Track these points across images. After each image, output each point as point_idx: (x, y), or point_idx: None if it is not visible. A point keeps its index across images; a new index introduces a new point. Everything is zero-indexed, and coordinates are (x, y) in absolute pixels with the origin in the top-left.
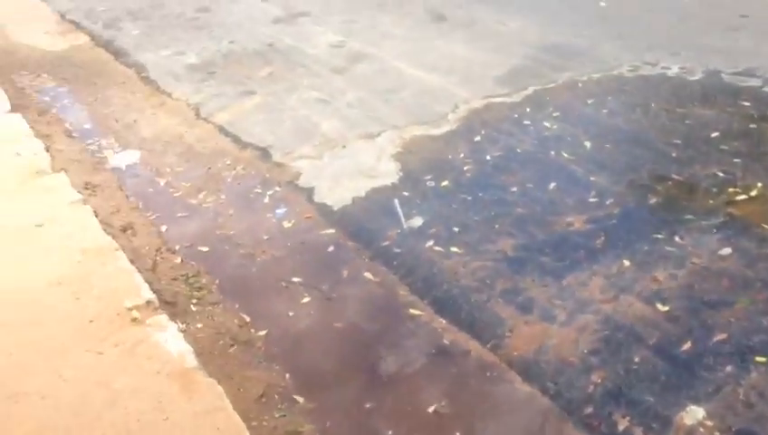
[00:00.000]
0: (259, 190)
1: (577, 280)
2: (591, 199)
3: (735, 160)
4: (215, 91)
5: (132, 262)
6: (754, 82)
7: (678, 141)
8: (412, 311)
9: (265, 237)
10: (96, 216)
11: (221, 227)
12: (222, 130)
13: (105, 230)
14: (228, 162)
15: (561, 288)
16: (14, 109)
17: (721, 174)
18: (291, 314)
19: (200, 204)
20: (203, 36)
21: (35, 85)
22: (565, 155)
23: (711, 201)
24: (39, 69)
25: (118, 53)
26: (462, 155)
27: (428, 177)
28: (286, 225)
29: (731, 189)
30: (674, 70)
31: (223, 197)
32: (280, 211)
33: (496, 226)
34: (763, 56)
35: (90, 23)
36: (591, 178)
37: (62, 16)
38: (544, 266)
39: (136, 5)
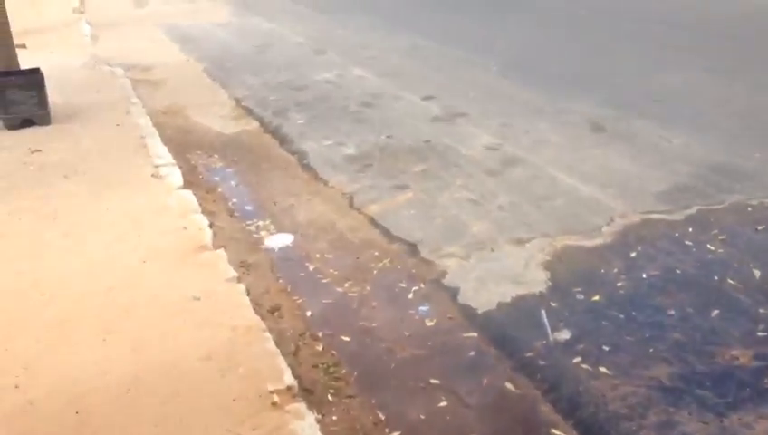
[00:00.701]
0: (404, 285)
1: (741, 421)
2: (760, 333)
3: None
4: (369, 183)
5: (277, 344)
6: None
7: None
8: (554, 431)
9: (407, 334)
10: (248, 294)
11: (364, 319)
12: (372, 221)
13: (255, 310)
14: (376, 254)
15: (722, 428)
16: (186, 185)
17: None
18: (425, 417)
19: (346, 293)
20: (363, 129)
21: (207, 164)
22: (731, 282)
23: None
24: (211, 149)
25: (283, 140)
26: (616, 270)
27: (578, 289)
28: (429, 323)
29: None
30: None
31: (368, 288)
32: (423, 308)
33: (651, 350)
34: None
35: (261, 110)
36: (761, 311)
37: (238, 103)
38: (704, 401)
39: (304, 97)
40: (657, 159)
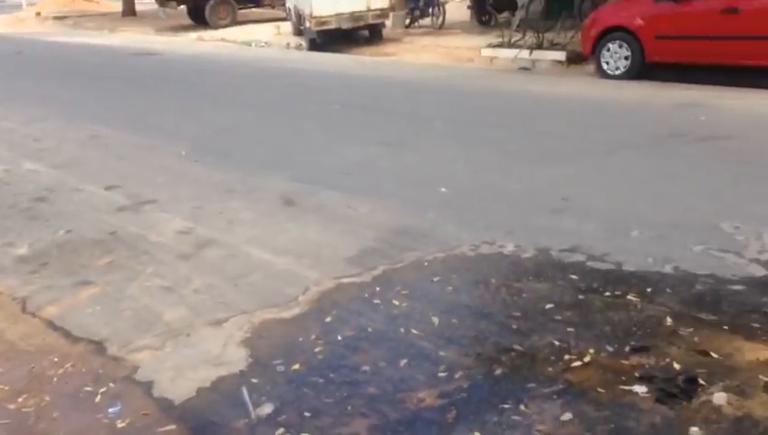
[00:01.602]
0: (90, 388)
1: None
2: (441, 374)
3: (569, 329)
4: (45, 284)
5: None
6: (579, 258)
7: (518, 314)
8: None
9: None
10: None
11: (42, 433)
12: (51, 324)
13: None
14: (56, 359)
15: None
16: None
17: (557, 343)
18: None
19: (19, 408)
20: (37, 226)
21: None
22: (414, 331)
23: (550, 369)
24: None
25: None
26: (313, 337)
27: (279, 361)
28: (120, 425)
29: (567, 357)
30: (509, 248)
31: (47, 398)
32: (113, 410)
33: (349, 407)
34: (583, 234)
35: None
36: (441, 353)
37: None
38: None
39: None
40: (345, 227)
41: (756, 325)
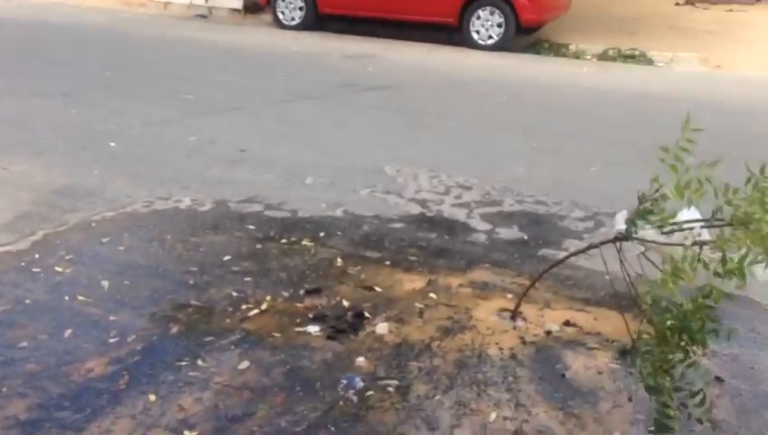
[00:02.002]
0: None
1: (100, 429)
2: (112, 340)
3: (247, 279)
4: None
5: None
6: (256, 208)
7: (195, 269)
8: None
9: None
10: None
11: None
12: None
13: None
14: None
15: None
16: None
17: (235, 293)
18: None
19: None
20: None
21: None
22: (81, 298)
23: (228, 320)
24: None
25: None
26: None
27: None
28: None
29: (244, 306)
30: (186, 202)
31: None
32: None
33: (4, 389)
34: (261, 184)
35: None
36: (111, 318)
37: None
38: (64, 422)
39: None
40: None
41: (413, 258)
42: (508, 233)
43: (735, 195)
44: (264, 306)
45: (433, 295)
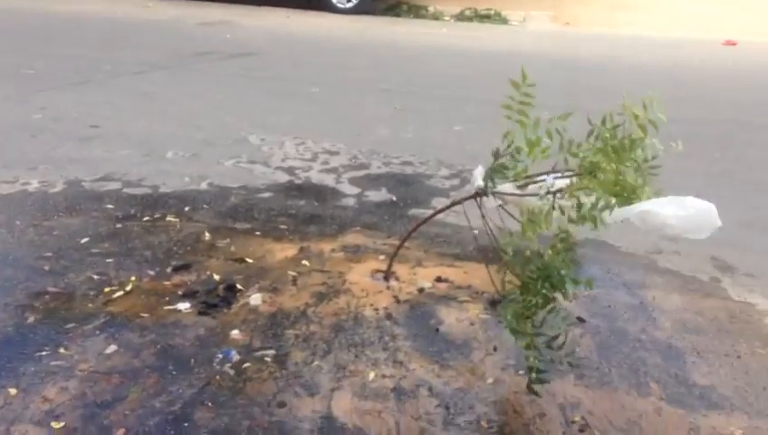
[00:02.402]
0: None
1: None
2: None
3: (108, 261)
4: None
5: None
6: (114, 186)
7: (50, 254)
8: None
9: None
10: None
11: None
12: None
13: None
14: None
15: None
16: None
17: (96, 276)
18: None
19: None
20: None
21: None
22: None
23: (90, 305)
24: None
25: None
26: None
27: None
28: None
29: (107, 289)
30: (34, 184)
31: None
32: None
33: None
34: (117, 161)
35: None
36: None
37: None
38: None
39: None
40: None
41: (284, 227)
42: (377, 195)
43: (579, 148)
44: (128, 287)
45: (306, 262)
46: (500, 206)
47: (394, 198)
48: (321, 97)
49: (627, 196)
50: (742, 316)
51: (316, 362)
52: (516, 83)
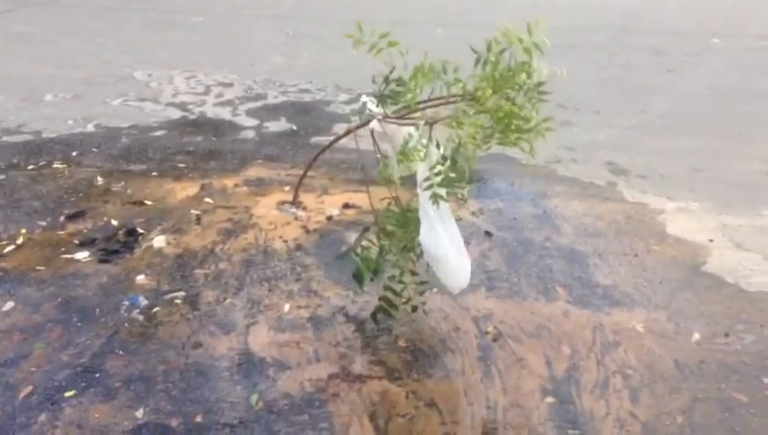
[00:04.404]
0: None
1: None
2: None
3: None
4: None
5: None
6: None
7: None
8: None
9: None
10: None
11: None
12: None
13: None
14: None
15: None
16: None
17: None
18: None
19: None
20: None
21: None
22: None
23: None
24: None
25: None
26: None
27: None
28: None
29: None
30: None
31: None
32: None
33: None
34: None
35: None
36: None
37: None
38: None
39: None
40: None
41: (182, 165)
42: (277, 126)
43: (457, 72)
44: (20, 241)
45: (209, 200)
46: (376, 132)
47: (294, 127)
48: (207, 26)
49: (517, 125)
50: (637, 217)
51: (229, 300)
52: None
